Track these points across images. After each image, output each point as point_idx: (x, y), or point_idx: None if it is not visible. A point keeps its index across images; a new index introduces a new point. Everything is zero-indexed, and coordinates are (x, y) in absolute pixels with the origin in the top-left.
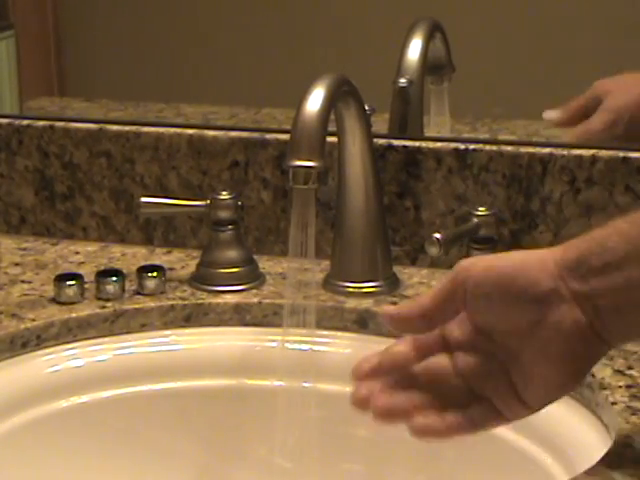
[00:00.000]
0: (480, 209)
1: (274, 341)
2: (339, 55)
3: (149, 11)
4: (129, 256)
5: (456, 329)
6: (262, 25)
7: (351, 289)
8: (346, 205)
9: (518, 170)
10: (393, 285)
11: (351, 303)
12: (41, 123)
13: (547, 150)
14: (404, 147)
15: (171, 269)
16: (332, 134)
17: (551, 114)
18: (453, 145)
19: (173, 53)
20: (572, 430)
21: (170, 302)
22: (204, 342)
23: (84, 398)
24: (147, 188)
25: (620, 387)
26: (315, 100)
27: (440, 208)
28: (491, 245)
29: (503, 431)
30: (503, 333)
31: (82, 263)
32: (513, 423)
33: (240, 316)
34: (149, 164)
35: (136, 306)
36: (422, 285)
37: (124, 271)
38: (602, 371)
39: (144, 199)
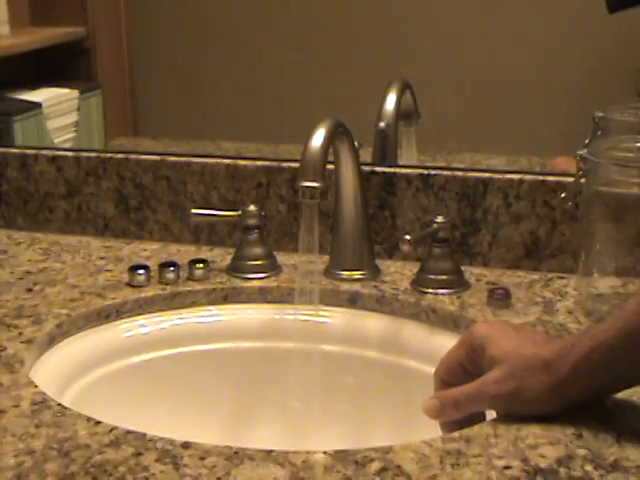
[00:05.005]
0: (439, 217)
1: (289, 314)
2: (336, 106)
3: (202, 75)
4: (183, 252)
5: None
6: (279, 84)
7: (344, 276)
8: (341, 214)
9: (467, 189)
10: (375, 273)
11: (345, 286)
12: (119, 156)
13: (487, 174)
14: (383, 172)
15: (213, 262)
16: (331, 162)
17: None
18: (419, 171)
19: (216, 104)
20: None
21: (212, 286)
22: (237, 315)
23: (150, 355)
24: (196, 202)
25: None
26: (318, 137)
27: (410, 217)
28: (447, 244)
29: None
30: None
31: (149, 257)
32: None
33: (263, 296)
34: (197, 185)
35: (188, 289)
36: (396, 274)
37: (179, 263)
38: None
39: (194, 211)
